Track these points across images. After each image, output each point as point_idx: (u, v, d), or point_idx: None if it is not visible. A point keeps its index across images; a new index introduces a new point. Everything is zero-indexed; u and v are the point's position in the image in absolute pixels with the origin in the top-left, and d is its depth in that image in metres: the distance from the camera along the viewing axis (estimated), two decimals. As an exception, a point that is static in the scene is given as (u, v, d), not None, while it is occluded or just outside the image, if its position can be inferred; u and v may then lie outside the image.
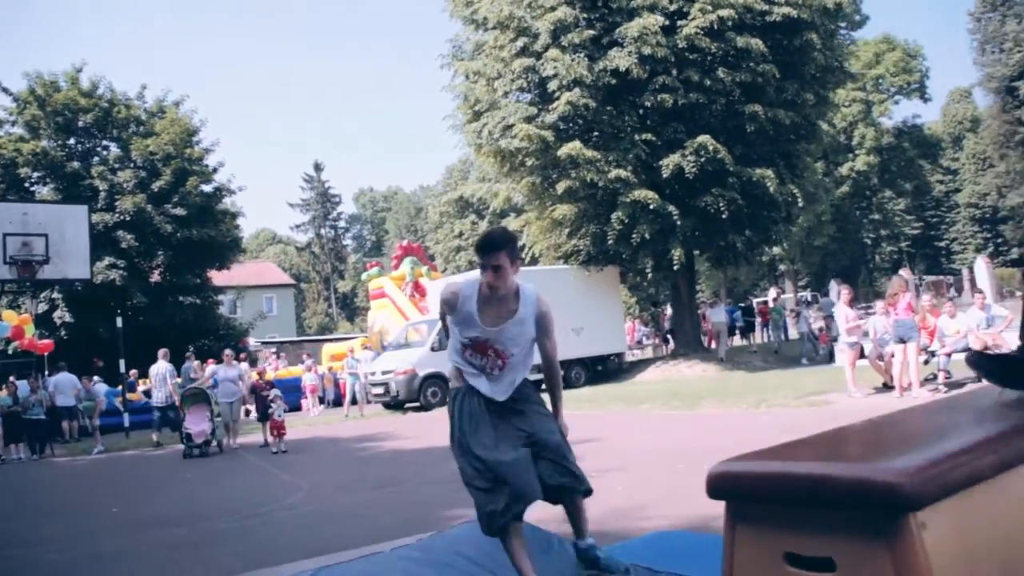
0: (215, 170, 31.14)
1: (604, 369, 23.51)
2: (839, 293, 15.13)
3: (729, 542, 1.78)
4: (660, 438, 11.06)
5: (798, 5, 19.83)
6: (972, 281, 29.84)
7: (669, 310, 28.36)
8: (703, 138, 19.73)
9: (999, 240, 54.14)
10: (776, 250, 31.51)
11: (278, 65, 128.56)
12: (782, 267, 49.11)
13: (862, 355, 13.49)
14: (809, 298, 38.41)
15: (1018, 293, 32.25)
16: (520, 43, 20.57)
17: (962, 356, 12.35)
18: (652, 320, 31.58)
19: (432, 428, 13.96)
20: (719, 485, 1.84)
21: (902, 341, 12.02)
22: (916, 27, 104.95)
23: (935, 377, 12.42)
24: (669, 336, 28.26)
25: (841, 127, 43.19)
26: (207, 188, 30.54)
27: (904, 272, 41.91)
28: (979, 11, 44.70)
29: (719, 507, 6.02)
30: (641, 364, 24.88)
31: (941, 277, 42.76)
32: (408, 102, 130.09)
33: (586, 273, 22.78)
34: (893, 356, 12.63)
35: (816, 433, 2.18)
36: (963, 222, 58.26)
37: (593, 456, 9.61)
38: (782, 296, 35.30)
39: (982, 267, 30.34)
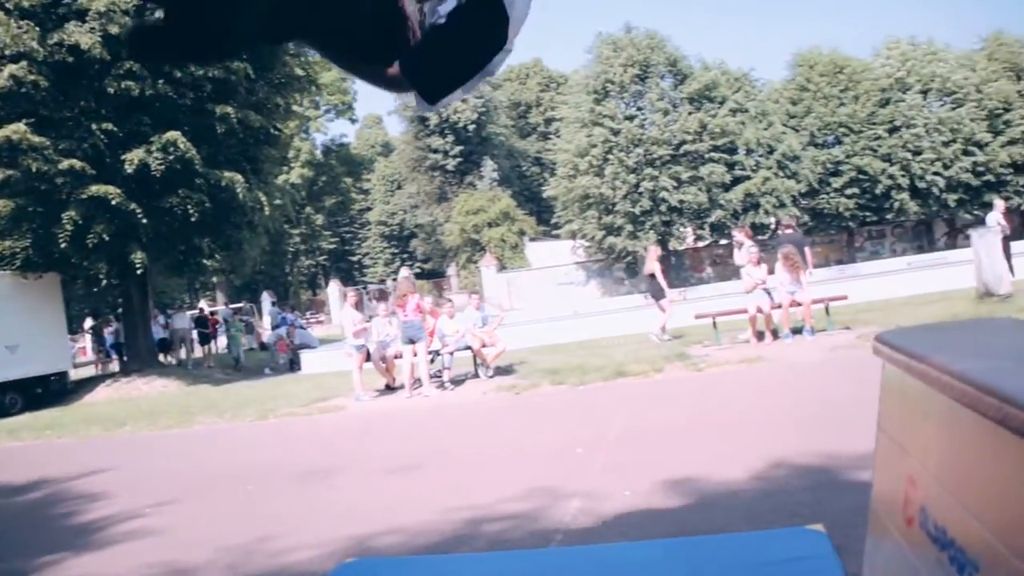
0: None
1: (46, 392, 20.29)
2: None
3: None
4: (193, 460, 9.85)
5: (275, 6, 19.32)
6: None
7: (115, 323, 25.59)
8: (172, 134, 18.27)
9: (405, 255, 59.89)
10: (209, 262, 30.40)
11: None
12: (215, 279, 47.99)
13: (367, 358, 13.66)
14: (247, 309, 38.21)
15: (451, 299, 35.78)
16: (-55, -2, 16.74)
17: (464, 353, 13.29)
18: (93, 333, 28.27)
19: None
20: None
21: (411, 341, 12.45)
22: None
23: (440, 374, 13.07)
24: (113, 350, 25.67)
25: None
26: None
27: (335, 283, 44.08)
28: (411, 42, 48.81)
29: (365, 527, 5.42)
30: (88, 384, 22.03)
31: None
32: None
33: (23, 281, 19.57)
34: (398, 357, 13.01)
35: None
36: (374, 238, 63.42)
37: (129, 488, 8.12)
38: (228, 307, 34.51)
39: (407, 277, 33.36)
